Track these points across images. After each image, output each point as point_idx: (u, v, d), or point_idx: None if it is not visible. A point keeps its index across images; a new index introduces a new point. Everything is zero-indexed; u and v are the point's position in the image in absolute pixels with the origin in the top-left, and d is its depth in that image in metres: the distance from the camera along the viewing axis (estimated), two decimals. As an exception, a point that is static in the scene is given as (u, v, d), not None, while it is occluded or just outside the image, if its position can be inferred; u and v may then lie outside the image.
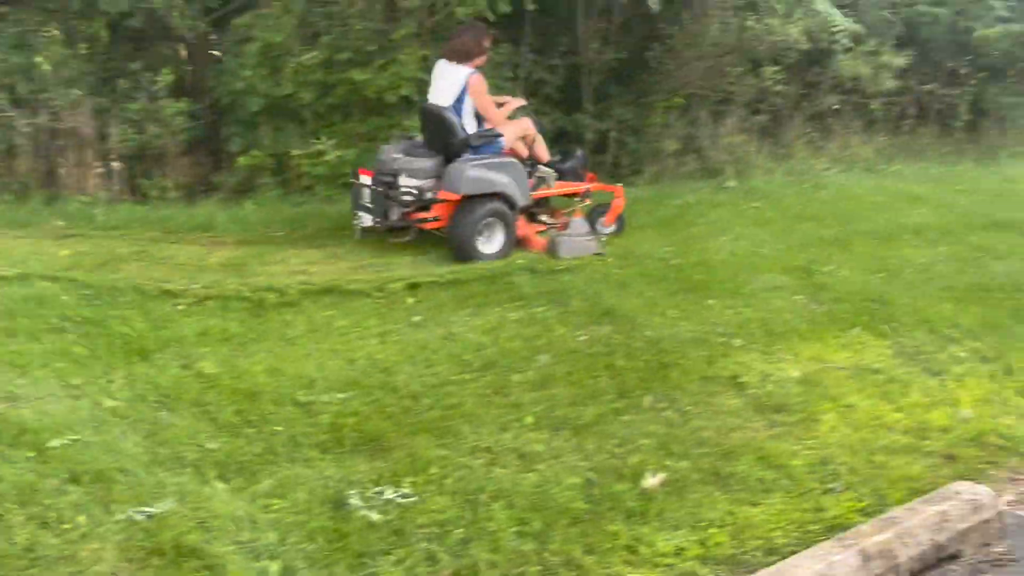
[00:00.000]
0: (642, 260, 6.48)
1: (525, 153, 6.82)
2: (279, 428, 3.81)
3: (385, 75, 7.83)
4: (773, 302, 5.82)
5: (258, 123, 8.18)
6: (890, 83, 10.82)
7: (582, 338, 5.00)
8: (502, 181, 6.27)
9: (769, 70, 9.95)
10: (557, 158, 7.12)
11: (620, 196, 7.18)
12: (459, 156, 6.31)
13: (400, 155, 6.41)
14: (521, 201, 6.41)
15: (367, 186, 6.41)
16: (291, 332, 4.89)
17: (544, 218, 6.91)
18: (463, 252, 6.15)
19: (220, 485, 3.34)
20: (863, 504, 3.55)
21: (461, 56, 6.51)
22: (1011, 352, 5.31)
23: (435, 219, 6.28)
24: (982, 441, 4.21)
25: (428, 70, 8.17)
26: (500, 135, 6.56)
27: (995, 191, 10.10)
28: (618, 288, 5.80)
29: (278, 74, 7.89)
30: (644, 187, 9.23)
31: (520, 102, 6.95)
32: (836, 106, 11.41)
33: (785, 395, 4.49)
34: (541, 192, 6.84)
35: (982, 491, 3.52)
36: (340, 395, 4.11)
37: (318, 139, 7.92)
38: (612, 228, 7.12)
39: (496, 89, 8.67)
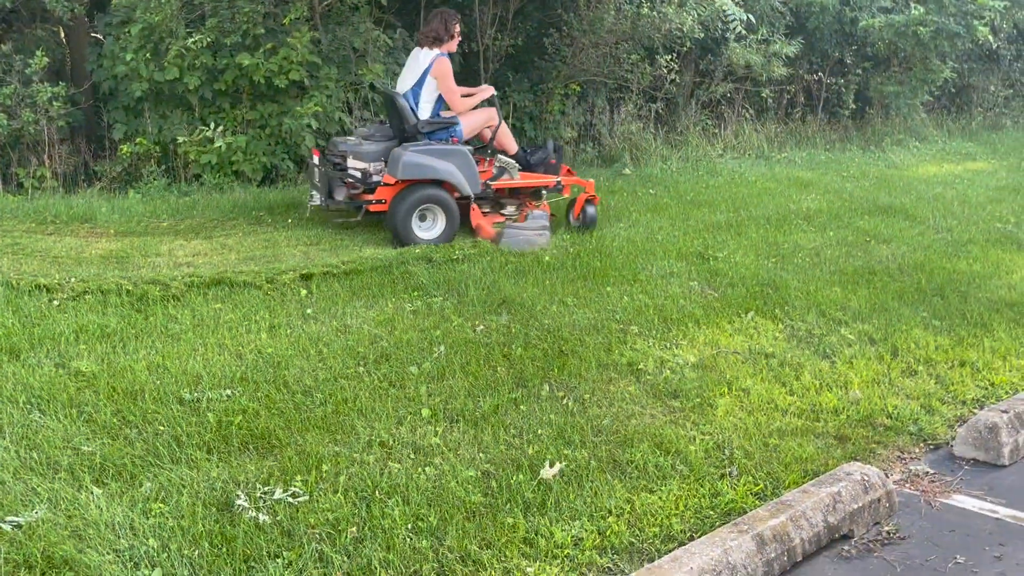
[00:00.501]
0: (540, 248, 6.44)
1: (488, 138, 6.90)
2: (162, 428, 3.62)
3: (275, 60, 7.58)
4: (669, 288, 5.86)
5: (142, 109, 7.83)
6: (780, 71, 11.05)
7: (479, 328, 4.93)
8: (445, 169, 6.28)
9: (664, 58, 10.05)
10: (528, 150, 7.16)
11: (591, 190, 7.11)
12: (412, 141, 6.37)
13: (354, 138, 6.51)
14: (468, 190, 6.41)
15: (317, 166, 6.43)
16: (175, 327, 4.67)
17: (507, 210, 6.91)
18: (399, 235, 6.22)
19: (97, 490, 3.15)
20: (758, 487, 3.58)
21: (432, 41, 6.61)
22: (897, 334, 5.47)
23: (380, 202, 6.31)
24: (871, 422, 4.32)
25: (320, 54, 7.99)
26: (455, 123, 6.59)
27: (880, 177, 10.45)
28: (516, 276, 5.75)
29: (162, 58, 7.55)
30: (542, 174, 9.19)
31: (489, 91, 6.92)
32: (730, 94, 11.61)
33: (681, 381, 4.52)
34: (503, 182, 6.81)
35: (872, 472, 3.59)
36: (227, 392, 3.94)
37: (206, 126, 7.62)
38: (578, 222, 7.03)
39: (387, 73, 8.54)
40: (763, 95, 12.11)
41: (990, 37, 12.09)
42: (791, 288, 6.08)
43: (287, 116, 7.75)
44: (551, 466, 3.56)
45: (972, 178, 10.74)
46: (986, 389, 4.91)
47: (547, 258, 6.15)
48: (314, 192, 6.56)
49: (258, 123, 7.91)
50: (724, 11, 9.68)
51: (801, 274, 6.42)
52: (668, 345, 4.96)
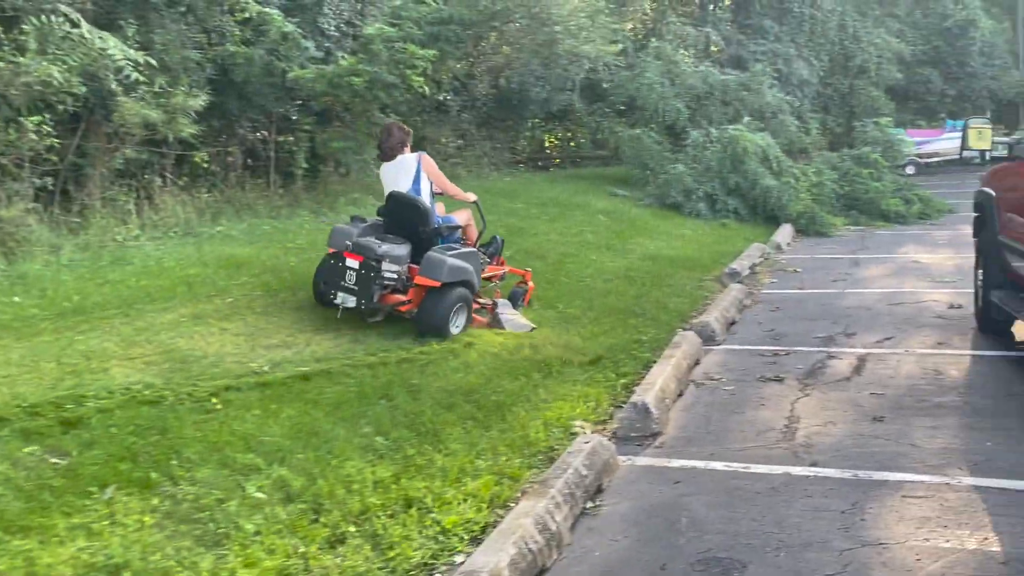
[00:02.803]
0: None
1: (474, 237, 7.38)
2: None
3: None
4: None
5: None
6: (188, 129, 9.16)
7: None
8: (470, 269, 6.67)
9: (33, 120, 7.71)
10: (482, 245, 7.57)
11: (529, 279, 7.81)
12: (430, 244, 6.72)
13: (379, 240, 6.61)
14: (478, 285, 6.90)
15: (355, 270, 6.43)
16: None
17: (481, 300, 7.21)
18: (439, 333, 6.35)
19: None
20: None
21: (401, 148, 6.99)
22: (327, 473, 4.04)
23: (408, 302, 6.58)
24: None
25: None
26: (460, 226, 7.17)
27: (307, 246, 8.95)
28: None
29: None
30: None
31: (474, 197, 7.46)
32: (150, 159, 9.58)
33: None
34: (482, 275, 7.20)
35: None
36: None
37: None
38: (522, 308, 7.50)
39: None
40: (196, 159, 10.30)
41: (425, 87, 11.55)
42: (187, 425, 4.35)
43: None
44: None
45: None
46: (437, 541, 3.63)
47: None
48: (342, 294, 6.47)
49: None
50: (112, 57, 7.70)
51: (199, 402, 4.72)
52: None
